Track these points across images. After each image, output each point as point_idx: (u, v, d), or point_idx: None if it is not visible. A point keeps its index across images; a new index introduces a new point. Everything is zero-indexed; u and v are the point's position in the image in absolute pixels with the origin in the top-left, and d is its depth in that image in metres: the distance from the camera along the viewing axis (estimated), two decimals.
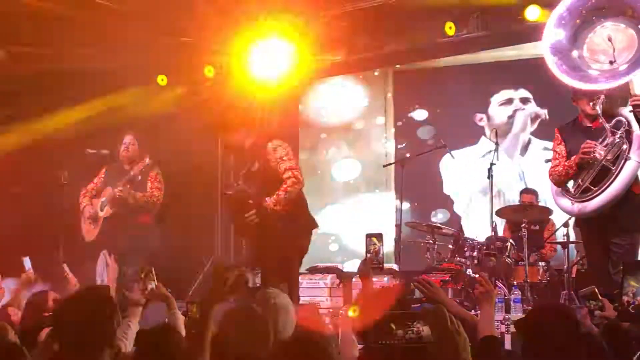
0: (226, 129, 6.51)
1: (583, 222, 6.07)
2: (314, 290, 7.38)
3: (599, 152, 5.66)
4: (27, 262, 5.71)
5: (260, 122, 6.74)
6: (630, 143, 5.63)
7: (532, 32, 8.67)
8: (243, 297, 4.35)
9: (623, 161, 5.63)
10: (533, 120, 10.02)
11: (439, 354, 2.00)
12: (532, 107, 9.97)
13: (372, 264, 3.95)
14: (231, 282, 3.02)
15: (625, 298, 2.77)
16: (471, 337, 2.49)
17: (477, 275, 3.55)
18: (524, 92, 9.98)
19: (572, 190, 5.86)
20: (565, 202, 5.94)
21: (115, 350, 2.88)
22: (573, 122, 6.07)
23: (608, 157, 5.65)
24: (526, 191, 8.67)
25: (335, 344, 3.71)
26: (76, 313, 2.72)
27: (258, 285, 3.07)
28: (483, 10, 8.62)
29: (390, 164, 9.11)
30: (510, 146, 10.11)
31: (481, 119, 10.19)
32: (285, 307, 3.29)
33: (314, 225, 6.50)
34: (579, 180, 5.79)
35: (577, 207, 5.85)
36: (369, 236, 4.04)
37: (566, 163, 5.87)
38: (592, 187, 5.71)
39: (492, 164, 7.90)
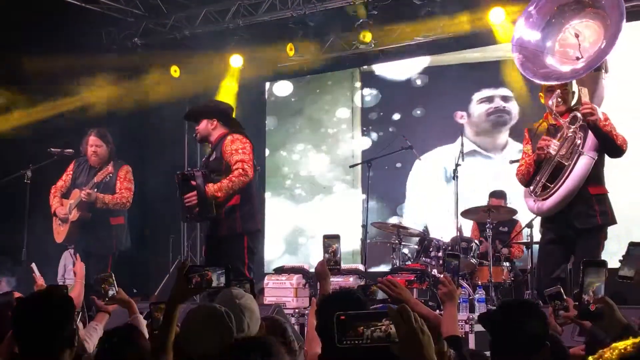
0: (194, 119, 6.71)
1: (545, 224, 6.00)
2: (280, 291, 7.36)
3: (553, 147, 5.66)
4: (35, 268, 5.61)
5: (227, 114, 6.70)
6: (584, 138, 5.63)
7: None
8: (207, 297, 4.37)
9: (576, 156, 5.63)
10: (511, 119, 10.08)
11: (403, 352, 2.00)
12: (514, 106, 10.02)
13: (329, 265, 3.95)
14: (194, 282, 3.01)
15: (585, 297, 2.80)
16: (434, 337, 2.52)
17: (441, 276, 3.55)
18: (505, 91, 10.02)
19: (533, 186, 5.83)
20: (530, 201, 5.94)
21: (77, 352, 2.85)
22: (540, 120, 6.12)
23: (562, 152, 5.65)
24: (494, 194, 8.72)
25: (300, 344, 3.73)
26: (34, 314, 2.69)
27: (222, 284, 3.04)
28: None
29: (356, 165, 9.12)
30: (489, 145, 10.21)
31: (462, 116, 10.23)
32: (249, 307, 3.27)
33: (256, 226, 6.52)
34: (537, 177, 5.78)
35: (537, 205, 5.85)
36: (326, 237, 4.04)
37: (528, 161, 5.90)
38: (549, 185, 5.70)
39: (457, 165, 7.95)
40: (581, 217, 5.65)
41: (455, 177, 7.91)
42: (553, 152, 5.67)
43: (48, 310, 2.70)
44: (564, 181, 5.63)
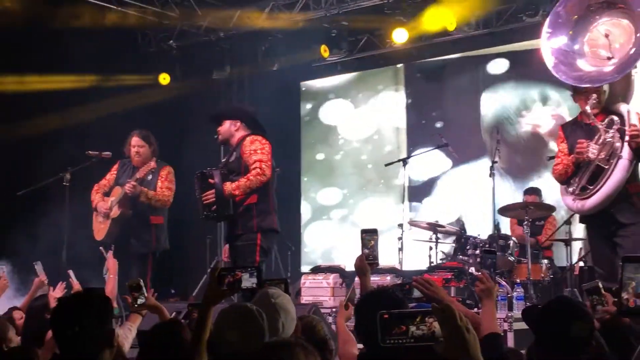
0: (217, 120, 6.73)
1: (585, 218, 6.08)
2: (317, 290, 7.37)
3: (592, 151, 5.67)
4: (39, 267, 5.71)
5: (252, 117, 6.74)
6: (623, 141, 5.63)
7: None
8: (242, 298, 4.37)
9: (616, 160, 5.64)
10: None
11: (448, 351, 1.97)
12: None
13: (368, 259, 3.94)
14: (227, 283, 3.02)
15: (624, 295, 2.74)
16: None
17: (479, 273, 3.52)
18: None
19: (573, 187, 5.87)
20: (568, 199, 5.96)
21: (115, 351, 2.87)
22: (575, 119, 6.12)
23: (601, 156, 5.66)
24: (528, 191, 8.69)
25: (336, 344, 3.72)
26: (72, 315, 2.72)
27: (254, 285, 3.04)
28: None
29: (392, 163, 9.07)
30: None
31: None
32: (285, 307, 3.27)
33: (271, 225, 6.49)
34: (577, 178, 5.82)
35: (577, 204, 5.88)
36: (364, 232, 4.03)
37: (565, 161, 5.89)
38: (589, 186, 5.74)
39: (493, 162, 7.89)
40: (624, 212, 5.70)
41: (492, 174, 7.85)
42: (592, 157, 5.68)
43: (86, 311, 2.72)
44: (603, 184, 5.67)
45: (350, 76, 11.47)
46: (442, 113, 10.60)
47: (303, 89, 11.81)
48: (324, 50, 10.00)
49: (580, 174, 5.80)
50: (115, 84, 9.83)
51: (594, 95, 5.69)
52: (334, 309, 6.90)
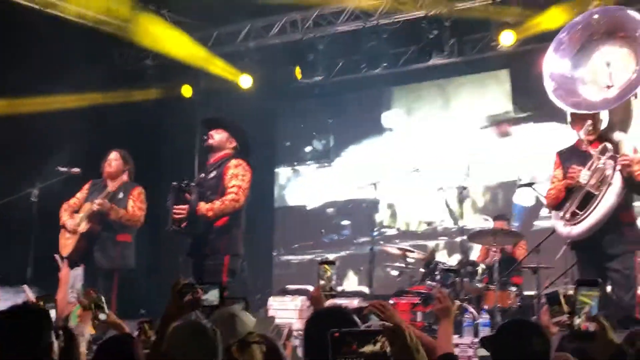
0: (218, 127, 6.68)
1: (576, 245, 6.06)
2: (284, 312, 7.34)
3: (584, 177, 5.70)
4: (27, 290, 5.62)
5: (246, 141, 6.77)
6: (615, 169, 5.67)
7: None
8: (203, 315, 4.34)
9: (606, 187, 5.67)
10: None
11: None
12: None
13: (325, 290, 3.94)
14: (188, 299, 3.01)
15: (576, 319, 2.77)
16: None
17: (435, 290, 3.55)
18: None
19: (564, 212, 5.88)
20: (559, 224, 5.98)
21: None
22: (572, 146, 6.15)
23: (592, 182, 5.69)
24: (498, 217, 8.74)
25: None
26: (8, 328, 2.71)
27: (215, 302, 3.04)
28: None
29: (363, 187, 9.11)
30: None
31: None
32: (245, 324, 3.27)
33: (238, 250, 6.51)
34: (568, 204, 5.84)
35: (566, 230, 5.89)
36: (321, 263, 4.04)
37: (558, 186, 5.92)
38: (579, 212, 5.75)
39: (463, 188, 7.94)
40: (614, 242, 5.70)
41: (460, 200, 7.90)
42: (583, 182, 5.72)
43: (22, 324, 2.72)
44: (593, 210, 5.68)
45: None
46: None
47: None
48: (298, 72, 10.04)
49: (571, 200, 5.82)
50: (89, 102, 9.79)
51: (589, 122, 5.75)
52: (300, 332, 6.86)
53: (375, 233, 9.20)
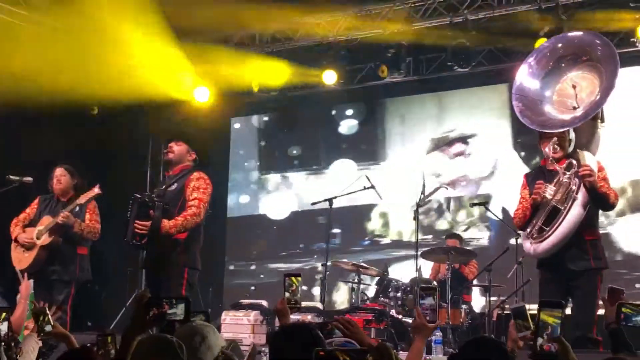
0: (180, 139, 6.63)
1: (541, 263, 6.08)
2: (237, 327, 7.31)
3: (549, 192, 5.78)
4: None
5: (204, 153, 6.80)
6: (579, 185, 5.73)
7: None
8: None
9: (571, 202, 5.74)
10: None
11: None
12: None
13: (289, 303, 3.96)
14: (153, 314, 2.99)
15: (539, 340, 2.82)
16: None
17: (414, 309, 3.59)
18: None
19: (530, 229, 5.92)
20: (527, 243, 6.02)
21: None
22: (538, 166, 6.26)
23: (557, 197, 5.76)
24: (450, 236, 8.86)
25: None
26: None
27: (180, 317, 3.02)
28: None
29: (318, 202, 9.12)
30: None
31: None
32: (208, 338, 3.26)
33: (196, 264, 6.47)
34: (534, 220, 5.89)
35: (533, 247, 5.93)
36: (287, 276, 4.05)
37: (524, 204, 5.98)
38: (545, 227, 5.81)
39: (418, 205, 8.02)
40: (575, 260, 5.76)
41: (415, 217, 7.98)
42: (549, 197, 5.79)
43: None
44: (558, 225, 5.75)
45: None
46: None
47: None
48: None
49: (537, 216, 5.86)
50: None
51: (555, 139, 5.85)
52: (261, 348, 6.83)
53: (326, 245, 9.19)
